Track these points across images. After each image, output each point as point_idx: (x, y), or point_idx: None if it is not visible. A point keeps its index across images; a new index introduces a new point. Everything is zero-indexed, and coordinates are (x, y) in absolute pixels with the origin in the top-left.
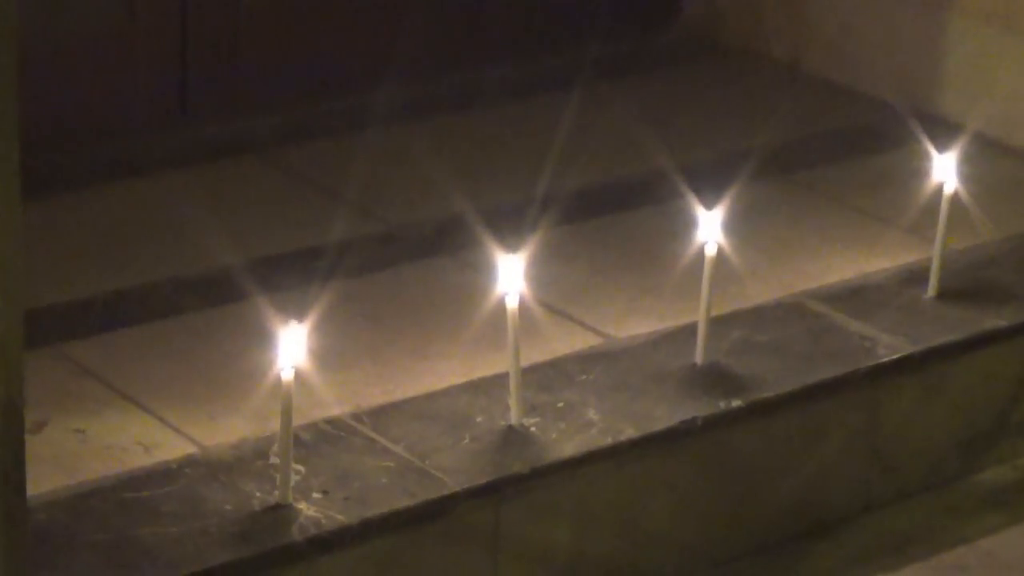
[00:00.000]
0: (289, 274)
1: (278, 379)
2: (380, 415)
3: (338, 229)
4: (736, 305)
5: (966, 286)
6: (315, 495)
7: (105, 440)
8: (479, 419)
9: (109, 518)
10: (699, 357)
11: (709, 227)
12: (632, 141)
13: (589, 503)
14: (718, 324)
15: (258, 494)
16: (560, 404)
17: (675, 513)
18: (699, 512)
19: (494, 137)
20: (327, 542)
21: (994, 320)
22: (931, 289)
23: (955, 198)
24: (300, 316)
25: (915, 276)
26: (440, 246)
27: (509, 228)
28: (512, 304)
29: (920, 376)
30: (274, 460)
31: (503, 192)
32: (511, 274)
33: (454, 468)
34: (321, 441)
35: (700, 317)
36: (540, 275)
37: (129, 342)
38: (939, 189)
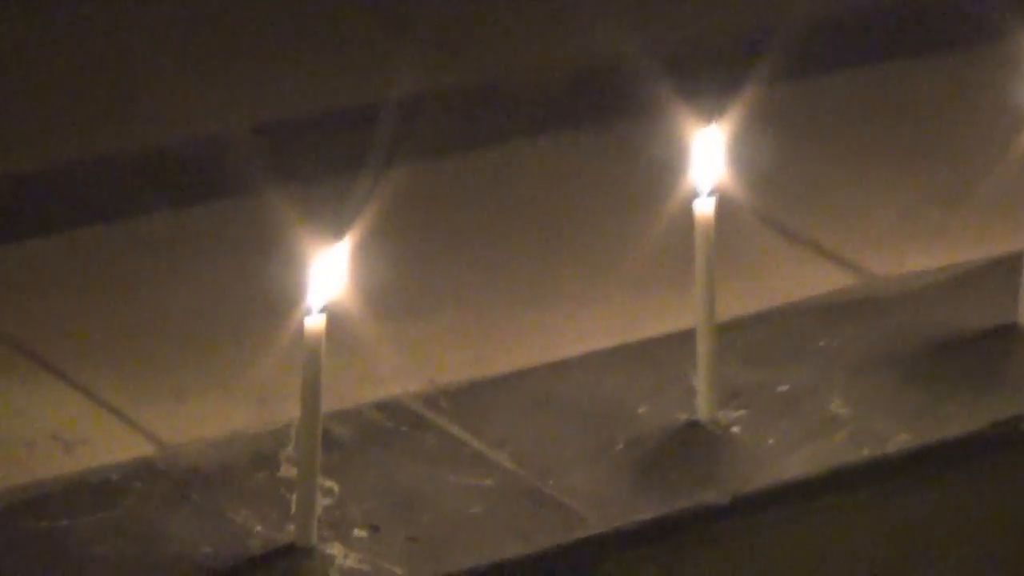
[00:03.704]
0: (323, 151)
1: (298, 331)
2: (470, 399)
3: (407, 77)
4: None
5: None
6: (357, 532)
7: (3, 432)
8: (641, 410)
9: (3, 561)
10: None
11: None
12: None
13: (828, 557)
14: None
15: (259, 528)
16: (783, 388)
17: (972, 573)
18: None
19: None
20: None
21: None
22: None
23: None
24: (340, 224)
25: None
26: (577, 109)
27: (693, 81)
28: (704, 210)
29: None
30: (288, 470)
31: (677, 25)
32: (704, 158)
33: (596, 494)
34: (369, 440)
35: None
36: (753, 161)
37: (44, 265)
38: None
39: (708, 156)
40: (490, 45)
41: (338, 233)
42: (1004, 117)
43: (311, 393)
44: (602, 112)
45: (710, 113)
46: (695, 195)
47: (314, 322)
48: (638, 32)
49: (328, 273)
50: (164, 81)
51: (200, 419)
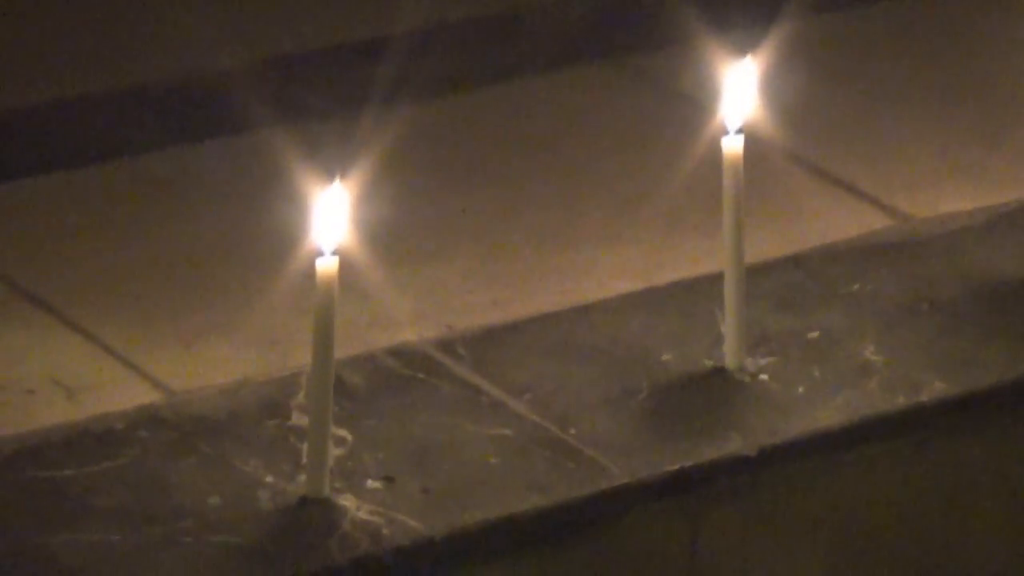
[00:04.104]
0: (332, 87)
1: (308, 272)
2: (488, 344)
3: (413, 7)
4: None
5: None
6: (371, 483)
7: (2, 378)
8: (665, 357)
9: (2, 513)
10: None
11: None
12: None
13: (859, 510)
14: None
15: (269, 479)
16: (814, 334)
17: (1009, 533)
18: None
19: None
20: (392, 569)
21: None
22: None
23: None
24: (348, 163)
25: None
26: (596, 42)
27: (723, 11)
28: (732, 148)
29: None
30: (299, 419)
31: None
32: (735, 94)
33: (619, 444)
34: (383, 388)
35: None
36: (785, 97)
37: (44, 204)
38: None
39: (739, 91)
40: None
41: (346, 171)
42: None
43: (323, 339)
44: (625, 45)
45: (742, 46)
46: (724, 132)
47: (326, 264)
48: None
49: (337, 212)
50: (167, 16)
51: (207, 365)
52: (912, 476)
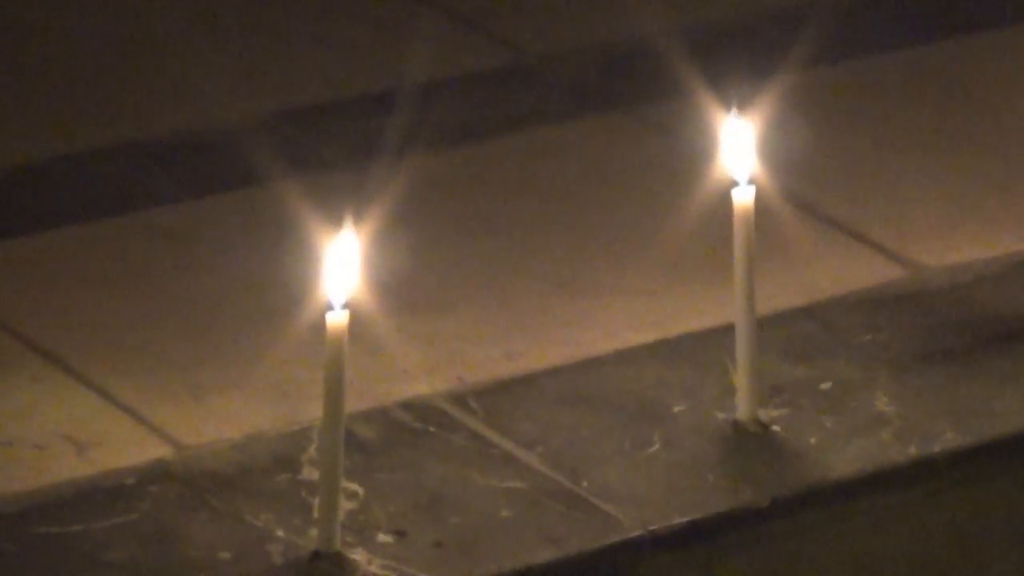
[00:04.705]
0: (344, 138)
1: (320, 324)
2: (499, 397)
3: (424, 58)
4: None
5: None
6: (383, 537)
7: (8, 432)
8: (677, 409)
9: (10, 570)
10: None
11: None
12: None
13: (873, 561)
14: None
15: (280, 533)
16: (826, 385)
17: None
18: None
19: None
20: None
21: None
22: None
23: None
24: (359, 214)
25: None
26: (607, 92)
27: (726, 66)
28: (743, 199)
29: None
30: (310, 472)
31: (712, 3)
32: (735, 145)
33: (631, 496)
34: (395, 441)
35: None
36: (795, 147)
37: (54, 258)
38: None
39: (739, 143)
40: (513, 24)
41: (357, 223)
42: None
43: (334, 393)
44: (634, 95)
45: (737, 99)
46: (733, 184)
47: (336, 319)
48: (672, 11)
49: (347, 266)
50: (179, 68)
51: (218, 419)
52: (926, 526)
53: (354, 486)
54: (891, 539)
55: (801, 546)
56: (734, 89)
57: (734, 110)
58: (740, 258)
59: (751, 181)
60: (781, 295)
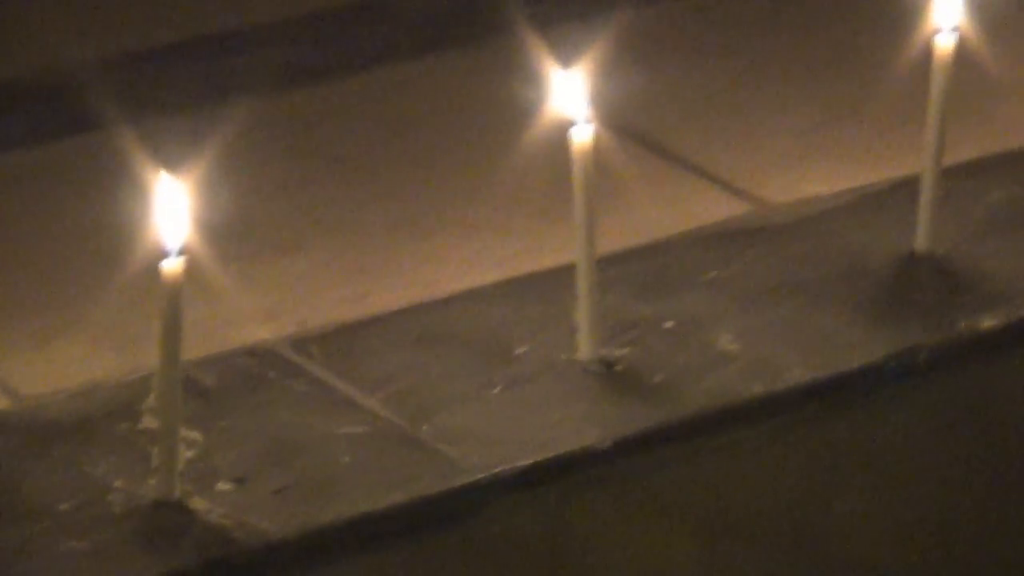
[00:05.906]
0: (184, 81)
1: (157, 270)
2: (342, 341)
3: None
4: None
5: None
6: (222, 485)
7: None
8: (520, 350)
9: None
10: (921, 240)
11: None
12: None
13: (725, 496)
14: (956, 178)
15: (119, 483)
16: (669, 323)
17: (874, 516)
18: (922, 516)
19: None
20: (243, 572)
21: None
22: None
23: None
24: (191, 155)
25: None
26: (455, 29)
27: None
28: (581, 138)
29: None
30: (150, 422)
31: None
32: (568, 88)
33: (475, 438)
34: (235, 387)
35: (924, 165)
36: (635, 84)
37: None
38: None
39: (572, 86)
40: None
41: (190, 168)
42: (908, 21)
43: (170, 341)
44: (478, 31)
45: (567, 49)
46: (571, 124)
47: (171, 266)
48: None
49: (179, 212)
50: (14, 12)
51: (57, 368)
52: (776, 461)
53: (194, 434)
54: (741, 476)
55: (649, 485)
56: (583, 24)
57: (560, 57)
58: (579, 199)
59: (589, 120)
60: (627, 235)
